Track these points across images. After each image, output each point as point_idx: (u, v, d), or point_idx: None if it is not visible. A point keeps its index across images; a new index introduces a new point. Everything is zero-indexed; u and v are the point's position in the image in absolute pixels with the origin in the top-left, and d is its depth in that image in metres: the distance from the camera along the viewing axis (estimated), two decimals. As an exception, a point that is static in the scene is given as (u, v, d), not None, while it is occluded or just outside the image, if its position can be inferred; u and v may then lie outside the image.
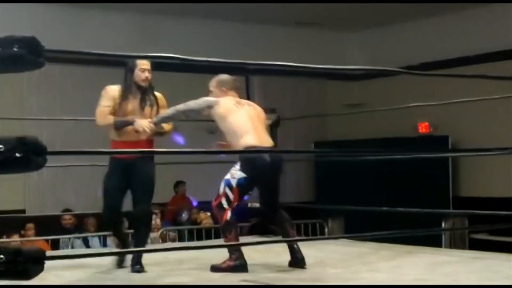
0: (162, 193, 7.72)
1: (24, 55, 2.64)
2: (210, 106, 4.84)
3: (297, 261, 4.87)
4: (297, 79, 12.38)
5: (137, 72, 4.88)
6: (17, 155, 2.55)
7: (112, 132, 4.84)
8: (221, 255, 5.28)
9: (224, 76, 5.11)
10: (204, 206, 9.67)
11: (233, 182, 4.74)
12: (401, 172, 10.55)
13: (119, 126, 4.82)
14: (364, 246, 6.03)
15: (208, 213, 9.29)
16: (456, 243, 9.43)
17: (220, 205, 4.76)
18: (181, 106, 4.88)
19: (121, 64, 11.31)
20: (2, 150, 2.52)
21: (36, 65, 2.70)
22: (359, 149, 10.59)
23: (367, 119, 11.80)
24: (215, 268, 4.73)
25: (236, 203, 4.76)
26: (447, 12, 11.21)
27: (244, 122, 4.80)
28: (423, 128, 11.71)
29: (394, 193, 10.57)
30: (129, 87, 4.87)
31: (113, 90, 4.91)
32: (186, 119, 5.06)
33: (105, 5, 10.39)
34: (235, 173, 4.76)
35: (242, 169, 4.75)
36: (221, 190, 4.78)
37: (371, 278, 4.47)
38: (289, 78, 12.34)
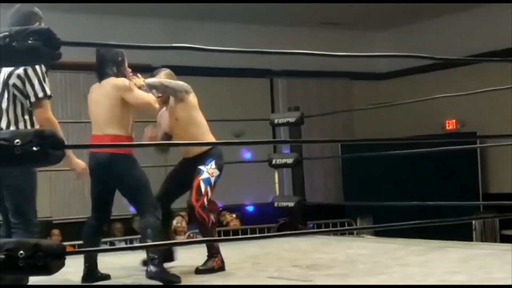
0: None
1: (40, 47, 2.59)
2: (187, 92, 4.71)
3: None
4: (322, 80, 12.32)
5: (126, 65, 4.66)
6: (35, 148, 2.51)
7: (125, 125, 4.47)
8: (243, 254, 5.25)
9: (169, 71, 4.92)
10: (229, 208, 9.65)
11: (212, 180, 4.67)
12: (430, 170, 10.42)
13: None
14: (393, 242, 5.93)
15: (234, 215, 9.25)
16: (487, 240, 9.28)
17: (203, 205, 4.61)
18: (164, 81, 4.72)
19: (145, 70, 11.33)
20: (19, 143, 2.48)
21: (53, 57, 2.65)
22: (387, 146, 10.45)
23: (394, 118, 11.68)
24: (201, 271, 4.61)
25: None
26: (473, 8, 11.06)
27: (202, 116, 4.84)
28: (450, 125, 11.58)
29: (423, 192, 10.43)
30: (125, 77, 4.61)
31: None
32: (161, 93, 4.78)
33: (127, 11, 10.40)
34: (213, 171, 4.68)
35: (217, 166, 4.70)
36: (203, 189, 4.63)
37: (401, 272, 4.38)
38: (314, 79, 12.28)
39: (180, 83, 4.75)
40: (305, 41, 11.46)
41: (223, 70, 11.04)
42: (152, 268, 4.27)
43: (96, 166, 4.41)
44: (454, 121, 11.51)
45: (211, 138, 4.73)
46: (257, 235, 6.04)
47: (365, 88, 12.69)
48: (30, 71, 3.69)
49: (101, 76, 4.56)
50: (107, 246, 8.03)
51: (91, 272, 4.52)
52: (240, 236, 4.44)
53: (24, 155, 2.49)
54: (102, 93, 4.49)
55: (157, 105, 4.55)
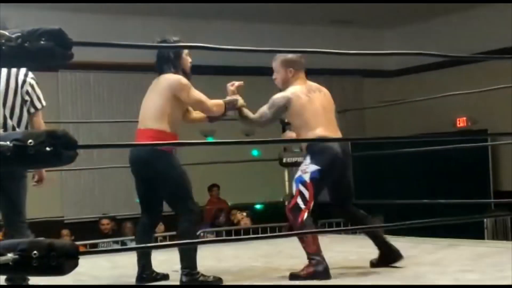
0: (198, 196, 7.68)
1: (52, 48, 2.58)
2: (283, 109, 4.55)
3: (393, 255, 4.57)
4: (332, 78, 12.29)
5: (185, 57, 4.57)
6: (47, 149, 2.50)
7: (171, 122, 4.33)
8: (255, 253, 5.22)
9: (291, 55, 4.67)
10: (239, 206, 9.64)
11: (306, 177, 4.34)
12: (441, 168, 10.39)
13: (230, 108, 4.63)
14: (405, 240, 5.90)
15: (244, 213, 9.24)
16: (498, 238, 9.24)
17: (295, 206, 4.34)
18: (259, 118, 4.65)
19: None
20: (32, 144, 2.48)
21: (65, 58, 2.64)
22: (398, 144, 10.45)
23: (405, 116, 11.66)
24: (294, 276, 4.33)
25: (312, 202, 4.37)
26: (483, 5, 11.02)
27: (317, 115, 4.53)
28: (461, 122, 11.54)
29: (434, 190, 10.40)
30: (185, 74, 4.52)
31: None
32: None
33: (139, 10, 10.42)
34: (306, 167, 4.37)
35: (313, 161, 4.36)
36: (294, 189, 4.41)
37: (414, 271, 4.36)
38: (324, 77, 12.25)
39: (272, 110, 4.57)
40: (315, 39, 11.45)
41: (233, 69, 11.04)
42: (183, 278, 4.20)
43: (134, 162, 4.33)
44: (465, 118, 11.48)
45: (314, 134, 4.45)
46: (269, 234, 6.02)
47: (375, 86, 12.68)
48: (34, 81, 4.18)
49: (159, 72, 4.49)
50: (118, 246, 8.06)
51: (146, 271, 4.42)
52: (251, 236, 4.38)
53: (37, 155, 2.48)
54: (155, 89, 4.41)
55: (210, 102, 4.44)
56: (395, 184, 10.91)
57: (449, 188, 10.27)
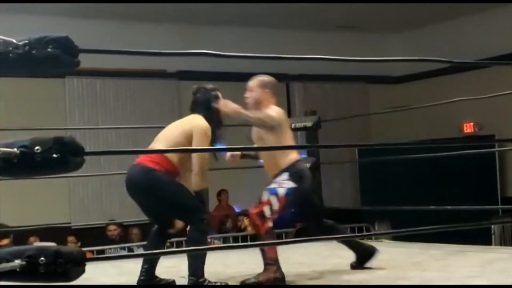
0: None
1: (59, 55, 2.60)
2: (278, 123, 4.53)
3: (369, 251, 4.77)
4: (338, 84, 12.30)
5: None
6: (54, 155, 2.51)
7: (181, 160, 4.38)
8: (261, 259, 5.18)
9: (267, 77, 4.82)
10: (247, 213, 9.62)
11: (281, 191, 4.45)
12: (447, 174, 10.36)
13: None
14: (412, 246, 5.91)
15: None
16: (506, 244, 9.21)
17: (261, 213, 4.41)
18: (267, 119, 4.55)
19: (160, 76, 11.35)
20: (39, 151, 2.49)
21: (72, 65, 2.65)
22: (405, 150, 10.45)
23: (411, 121, 11.64)
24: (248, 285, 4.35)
25: (277, 215, 4.46)
26: (490, 9, 11.01)
27: (291, 137, 4.67)
28: (468, 128, 11.52)
29: (441, 196, 10.38)
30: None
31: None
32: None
33: (143, 16, 10.45)
34: (284, 182, 4.47)
35: (292, 179, 4.48)
36: (265, 198, 4.46)
37: (421, 277, 4.35)
38: (330, 83, 12.27)
39: (268, 121, 4.53)
40: (321, 45, 11.46)
41: (239, 75, 11.03)
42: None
43: (129, 186, 4.34)
44: (472, 124, 11.46)
45: (291, 156, 4.58)
46: (276, 241, 6.01)
47: (381, 91, 12.67)
48: None
49: (191, 111, 4.55)
50: (125, 252, 8.07)
51: (148, 275, 4.43)
52: (258, 242, 4.35)
53: (44, 162, 2.49)
54: (181, 122, 4.49)
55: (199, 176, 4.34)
56: (401, 190, 10.89)
57: (456, 194, 10.25)
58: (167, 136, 4.42)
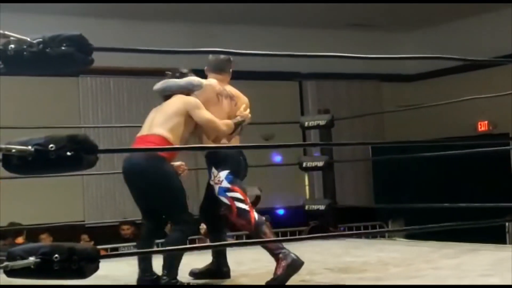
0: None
1: (73, 53, 2.61)
2: (190, 89, 4.50)
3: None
4: (352, 82, 12.28)
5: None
6: (68, 153, 2.53)
7: (178, 136, 4.36)
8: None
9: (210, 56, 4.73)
10: (259, 211, 9.62)
11: (225, 184, 4.33)
12: (461, 172, 10.32)
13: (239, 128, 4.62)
14: (425, 245, 5.89)
15: (264, 218, 9.22)
16: (520, 242, 9.16)
17: (239, 211, 4.27)
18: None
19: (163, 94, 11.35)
20: (53, 149, 2.51)
21: (86, 63, 2.67)
22: (418, 148, 10.43)
23: (425, 120, 11.60)
24: (276, 281, 4.19)
25: (247, 197, 4.35)
26: (502, 8, 10.95)
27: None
28: (482, 126, 11.48)
29: (455, 194, 10.33)
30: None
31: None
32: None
33: (156, 16, 10.47)
34: (219, 177, 4.35)
35: (221, 168, 4.36)
36: (226, 201, 4.34)
37: (434, 275, 4.35)
38: (343, 81, 12.25)
39: (182, 82, 4.56)
40: (334, 43, 11.45)
41: (252, 74, 11.04)
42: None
43: (129, 169, 4.34)
44: (486, 122, 11.41)
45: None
46: (288, 237, 6.02)
47: (395, 89, 12.63)
48: None
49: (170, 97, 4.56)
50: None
51: (146, 273, 4.39)
52: (271, 239, 4.33)
53: (58, 160, 2.51)
54: (168, 104, 4.45)
55: (224, 128, 4.42)
56: (415, 188, 10.86)
57: (470, 192, 10.20)
58: (160, 119, 4.36)
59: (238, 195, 4.32)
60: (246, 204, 4.31)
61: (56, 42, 2.59)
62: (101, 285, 4.18)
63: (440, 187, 10.70)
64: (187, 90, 4.50)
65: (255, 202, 9.37)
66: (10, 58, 2.54)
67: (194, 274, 4.63)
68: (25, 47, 2.54)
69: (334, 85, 12.24)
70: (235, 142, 4.59)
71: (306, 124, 7.09)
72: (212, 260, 4.68)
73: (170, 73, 4.69)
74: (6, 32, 2.51)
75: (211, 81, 4.61)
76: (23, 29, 2.76)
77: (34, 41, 2.55)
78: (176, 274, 4.22)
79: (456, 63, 10.51)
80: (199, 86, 4.50)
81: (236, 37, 10.92)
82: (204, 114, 4.40)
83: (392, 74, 12.49)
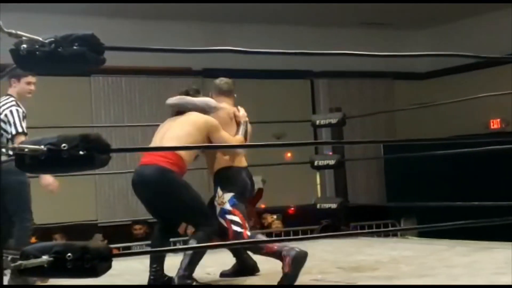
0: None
1: (85, 52, 2.62)
2: (206, 110, 4.61)
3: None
4: (363, 80, 12.26)
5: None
6: (81, 152, 2.53)
7: (192, 157, 4.55)
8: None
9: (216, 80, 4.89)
10: (271, 209, 9.63)
11: (227, 207, 4.45)
12: (474, 170, 10.27)
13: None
14: (438, 243, 5.87)
15: (275, 216, 9.24)
16: (534, 240, 9.11)
17: (234, 234, 4.39)
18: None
19: (185, 74, 11.37)
20: (65, 148, 2.51)
21: (97, 62, 2.68)
22: (430, 147, 10.40)
23: (437, 117, 11.57)
24: (286, 280, 4.21)
25: (245, 220, 4.46)
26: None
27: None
28: (495, 124, 11.43)
29: (467, 192, 10.28)
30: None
31: None
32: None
33: (170, 15, 10.48)
34: (222, 198, 4.48)
35: (226, 190, 4.49)
36: (224, 223, 4.45)
37: (447, 273, 4.33)
38: (355, 80, 12.22)
39: (200, 101, 4.69)
40: (345, 42, 11.41)
41: (264, 72, 11.06)
42: (176, 279, 4.24)
43: (140, 181, 4.37)
44: (498, 120, 11.37)
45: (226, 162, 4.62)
46: (300, 236, 6.02)
47: (407, 88, 12.60)
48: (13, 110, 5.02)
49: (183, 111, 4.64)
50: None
51: (158, 274, 4.42)
52: (282, 238, 4.34)
53: (71, 159, 2.52)
54: (187, 121, 4.49)
55: (234, 140, 4.54)
56: (427, 186, 10.82)
57: (483, 189, 10.15)
58: (177, 133, 4.41)
59: (237, 218, 4.45)
60: (242, 228, 4.42)
61: (68, 42, 2.60)
62: (110, 285, 4.20)
63: (452, 185, 10.65)
64: (203, 111, 4.58)
65: (257, 197, 9.39)
66: (23, 57, 2.55)
67: (224, 275, 4.71)
68: (37, 46, 2.54)
69: (345, 84, 12.21)
70: (241, 159, 4.65)
71: (317, 122, 7.08)
72: (237, 261, 4.75)
73: (184, 90, 4.81)
74: (19, 32, 2.52)
75: (224, 105, 4.71)
76: (34, 29, 2.76)
77: (46, 41, 2.56)
78: (193, 271, 4.26)
79: (468, 61, 10.45)
80: (215, 109, 4.62)
81: (248, 36, 10.92)
82: (224, 137, 4.48)
83: (404, 72, 12.45)
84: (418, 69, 12.65)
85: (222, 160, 4.57)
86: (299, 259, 4.16)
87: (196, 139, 4.39)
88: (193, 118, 4.49)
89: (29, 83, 5.22)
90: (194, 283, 4.27)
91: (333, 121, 6.91)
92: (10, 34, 2.48)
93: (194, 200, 4.39)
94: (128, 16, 10.36)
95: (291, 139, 10.04)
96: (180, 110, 4.62)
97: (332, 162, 6.98)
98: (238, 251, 4.72)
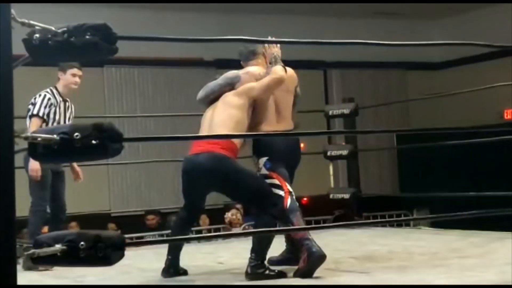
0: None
1: (98, 42, 2.62)
2: (230, 83, 4.54)
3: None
4: (377, 71, 12.22)
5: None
6: (94, 142, 2.53)
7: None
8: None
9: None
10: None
11: (263, 171, 4.34)
12: (487, 160, 10.24)
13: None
14: (451, 233, 5.86)
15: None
16: (548, 231, 9.08)
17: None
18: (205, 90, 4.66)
19: (198, 65, 11.35)
20: (78, 137, 2.52)
21: (110, 52, 2.68)
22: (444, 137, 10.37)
23: (450, 108, 11.52)
24: (297, 274, 4.16)
25: (286, 183, 4.33)
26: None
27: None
28: (509, 114, 11.38)
29: (480, 182, 10.27)
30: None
31: None
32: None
33: (183, 5, 10.47)
34: (258, 164, 4.38)
35: (260, 155, 4.39)
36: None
37: (460, 264, 4.32)
38: (368, 70, 12.19)
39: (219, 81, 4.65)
40: (359, 32, 11.35)
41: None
42: (248, 269, 4.18)
43: (195, 168, 4.29)
44: (512, 110, 11.32)
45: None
46: (313, 225, 6.01)
47: (420, 78, 12.56)
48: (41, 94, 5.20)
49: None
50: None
51: (173, 265, 4.39)
52: (296, 227, 4.31)
53: (84, 148, 2.52)
54: (223, 104, 4.45)
55: (278, 76, 4.47)
56: (440, 177, 10.80)
57: (497, 180, 10.12)
58: (222, 118, 4.36)
59: (275, 181, 4.32)
60: (282, 190, 4.30)
61: (81, 31, 2.60)
62: (113, 285, 4.22)
63: (465, 176, 10.63)
64: (229, 86, 4.53)
65: None
66: (35, 47, 2.55)
67: (272, 261, 4.53)
68: (49, 36, 2.54)
69: (358, 74, 12.18)
70: (275, 121, 4.52)
71: (330, 112, 7.07)
72: (287, 247, 4.65)
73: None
74: (31, 22, 2.52)
75: (248, 69, 4.62)
76: (47, 19, 2.77)
77: (59, 30, 2.56)
78: (264, 257, 4.21)
79: (482, 50, 10.40)
80: (238, 77, 4.54)
81: (261, 26, 10.88)
82: (262, 84, 4.41)
83: (417, 63, 12.41)
84: (432, 59, 12.60)
85: (256, 127, 4.43)
86: (315, 259, 4.10)
87: (242, 116, 4.34)
88: (228, 99, 4.44)
89: (74, 75, 5.32)
90: (267, 272, 4.20)
91: (346, 111, 6.89)
92: (23, 23, 2.48)
93: (255, 183, 4.28)
94: (140, 6, 10.37)
95: (303, 129, 10.00)
96: (212, 99, 4.57)
97: (345, 152, 6.97)
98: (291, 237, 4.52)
